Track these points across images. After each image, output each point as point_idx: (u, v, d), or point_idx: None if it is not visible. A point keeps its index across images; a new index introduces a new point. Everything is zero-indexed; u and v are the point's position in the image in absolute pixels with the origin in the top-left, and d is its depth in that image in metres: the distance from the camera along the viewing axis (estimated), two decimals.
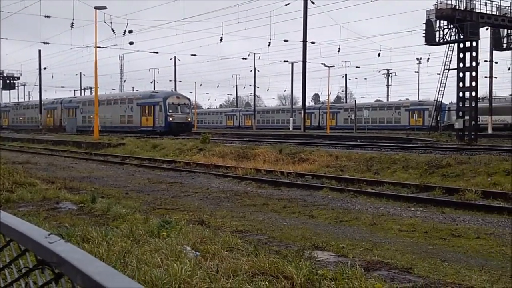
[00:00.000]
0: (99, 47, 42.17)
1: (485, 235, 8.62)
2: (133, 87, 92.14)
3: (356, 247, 7.64)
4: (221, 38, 47.40)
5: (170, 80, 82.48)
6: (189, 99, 49.57)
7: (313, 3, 42.79)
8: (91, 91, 79.93)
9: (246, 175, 17.61)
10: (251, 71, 75.83)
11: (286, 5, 42.99)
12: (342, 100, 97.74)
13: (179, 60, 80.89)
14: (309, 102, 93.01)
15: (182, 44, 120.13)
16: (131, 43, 47.83)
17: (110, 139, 36.46)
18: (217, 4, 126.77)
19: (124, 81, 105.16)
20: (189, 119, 47.26)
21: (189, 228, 7.33)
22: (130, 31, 44.47)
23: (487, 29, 38.71)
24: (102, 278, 1.01)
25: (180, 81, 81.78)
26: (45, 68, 71.29)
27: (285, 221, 10.05)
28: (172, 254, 5.54)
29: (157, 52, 57.10)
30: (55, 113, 64.78)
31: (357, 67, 79.04)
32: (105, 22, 39.11)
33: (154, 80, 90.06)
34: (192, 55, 62.79)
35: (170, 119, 45.47)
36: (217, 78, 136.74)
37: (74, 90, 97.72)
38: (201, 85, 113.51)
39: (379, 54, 57.47)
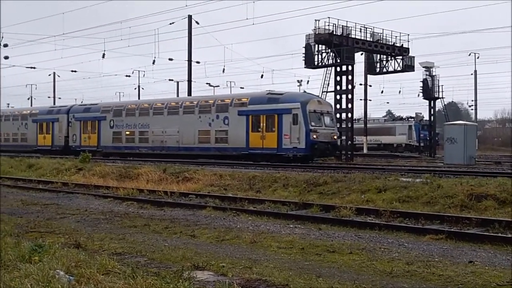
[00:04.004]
0: None
1: (357, 250, 9.05)
2: (8, 104, 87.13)
3: (236, 266, 7.72)
4: (103, 54, 46.23)
5: (49, 97, 79.15)
6: (331, 105, 32.55)
7: (197, 23, 43.01)
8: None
9: (127, 195, 17.23)
10: (135, 89, 74.48)
11: (170, 24, 42.85)
12: None
13: (59, 76, 77.96)
14: None
15: (62, 59, 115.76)
16: (6, 57, 45.31)
17: None
18: (99, 20, 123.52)
19: None
20: (336, 137, 31.16)
21: (63, 251, 7.06)
22: (5, 45, 42.10)
23: (362, 54, 41.08)
24: None
25: (60, 98, 78.63)
26: None
27: (167, 241, 9.95)
28: (44, 280, 5.32)
29: (34, 68, 54.89)
30: (56, 128, 44.27)
31: (241, 87, 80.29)
32: None
33: (32, 97, 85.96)
34: (72, 71, 60.37)
35: (314, 136, 29.06)
36: (99, 96, 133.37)
37: None
38: (82, 102, 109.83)
39: (262, 76, 58.87)
